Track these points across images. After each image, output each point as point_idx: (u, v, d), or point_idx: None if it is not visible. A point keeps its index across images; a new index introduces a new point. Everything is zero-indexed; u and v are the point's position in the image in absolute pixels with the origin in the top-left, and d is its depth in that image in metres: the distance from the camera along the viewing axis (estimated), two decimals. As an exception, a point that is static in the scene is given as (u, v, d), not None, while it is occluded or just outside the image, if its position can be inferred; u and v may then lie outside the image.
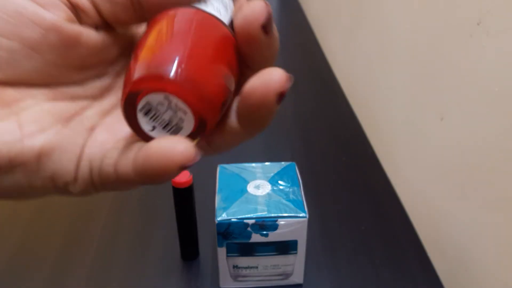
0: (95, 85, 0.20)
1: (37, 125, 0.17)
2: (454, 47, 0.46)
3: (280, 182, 0.42)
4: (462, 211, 0.46)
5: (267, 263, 0.41)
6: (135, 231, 0.50)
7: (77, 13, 0.18)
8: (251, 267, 0.41)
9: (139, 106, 0.17)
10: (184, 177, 0.40)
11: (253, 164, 0.44)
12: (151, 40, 0.17)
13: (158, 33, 0.17)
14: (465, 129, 0.45)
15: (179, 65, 0.16)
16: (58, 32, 0.17)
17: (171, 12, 0.18)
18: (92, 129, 0.19)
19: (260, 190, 0.41)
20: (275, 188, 0.41)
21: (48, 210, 0.52)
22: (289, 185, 0.41)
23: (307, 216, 0.38)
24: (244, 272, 0.42)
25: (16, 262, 0.46)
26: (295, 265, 0.42)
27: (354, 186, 0.57)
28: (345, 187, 0.57)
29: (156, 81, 0.16)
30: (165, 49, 0.17)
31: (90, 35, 0.18)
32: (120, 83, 0.21)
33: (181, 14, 0.18)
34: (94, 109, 0.19)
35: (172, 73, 0.16)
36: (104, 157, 0.18)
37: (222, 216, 0.38)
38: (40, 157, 0.17)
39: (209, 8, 0.19)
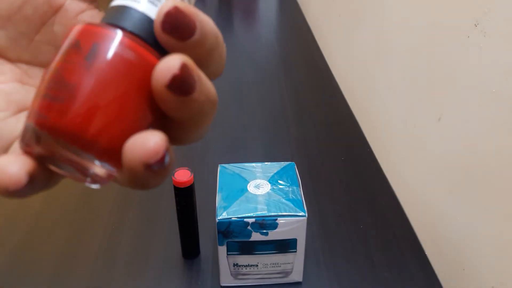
0: None
1: None
2: (452, 48, 0.46)
3: (279, 181, 0.42)
4: (459, 210, 0.46)
5: (267, 261, 0.41)
6: (136, 229, 0.50)
7: None
8: (251, 265, 0.42)
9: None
10: (185, 177, 0.41)
11: (253, 164, 0.45)
12: (62, 73, 0.15)
13: (71, 69, 0.15)
14: (462, 129, 0.45)
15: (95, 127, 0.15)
16: (33, 6, 0.18)
17: (89, 38, 0.15)
18: None
19: (260, 189, 0.41)
20: (274, 187, 0.41)
21: (50, 209, 0.53)
22: (288, 184, 0.42)
23: (306, 215, 0.39)
24: (244, 270, 0.42)
25: (18, 261, 0.46)
26: (294, 263, 0.42)
27: (352, 186, 0.58)
28: (343, 186, 0.57)
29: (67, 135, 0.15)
30: (79, 97, 0.15)
31: (68, 14, 0.19)
32: None
33: (102, 44, 0.15)
34: None
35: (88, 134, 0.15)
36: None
37: (222, 215, 0.38)
38: None
39: (136, 11, 0.16)
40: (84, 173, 0.16)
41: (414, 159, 0.56)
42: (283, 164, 0.45)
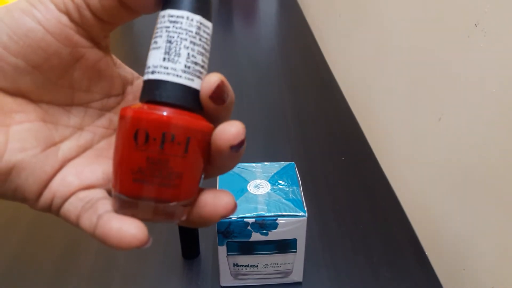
0: (80, 115, 0.22)
1: (21, 144, 0.19)
2: (452, 48, 0.46)
3: (279, 181, 0.42)
4: (459, 210, 0.46)
5: (267, 262, 0.41)
6: (136, 230, 0.50)
7: (81, 29, 0.20)
8: (251, 266, 0.42)
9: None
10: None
11: (253, 164, 0.45)
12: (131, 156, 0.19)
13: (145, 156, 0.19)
14: (462, 129, 0.45)
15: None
16: (60, 58, 0.19)
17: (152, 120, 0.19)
18: (64, 161, 0.21)
19: (260, 189, 0.41)
20: (274, 187, 0.41)
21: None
22: (288, 184, 0.42)
23: (306, 215, 0.39)
24: (244, 270, 0.42)
25: (18, 261, 0.46)
26: (294, 263, 0.42)
27: (352, 186, 0.58)
28: (343, 186, 0.57)
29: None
30: (187, 180, 0.20)
31: (87, 62, 0.21)
32: (101, 122, 0.23)
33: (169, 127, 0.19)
34: (71, 143, 0.22)
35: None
36: (66, 201, 0.20)
37: (222, 215, 0.38)
38: (10, 172, 0.19)
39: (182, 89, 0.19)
40: (168, 218, 0.20)
41: (414, 159, 0.56)
42: (283, 164, 0.45)
